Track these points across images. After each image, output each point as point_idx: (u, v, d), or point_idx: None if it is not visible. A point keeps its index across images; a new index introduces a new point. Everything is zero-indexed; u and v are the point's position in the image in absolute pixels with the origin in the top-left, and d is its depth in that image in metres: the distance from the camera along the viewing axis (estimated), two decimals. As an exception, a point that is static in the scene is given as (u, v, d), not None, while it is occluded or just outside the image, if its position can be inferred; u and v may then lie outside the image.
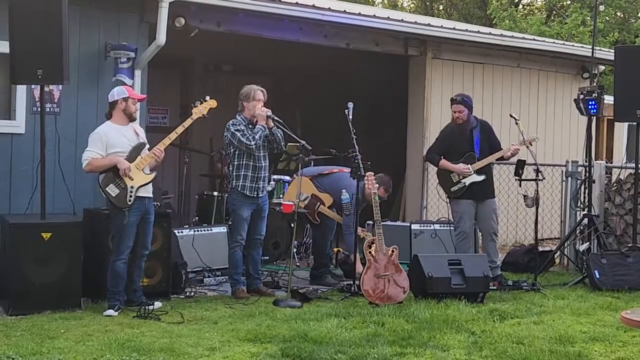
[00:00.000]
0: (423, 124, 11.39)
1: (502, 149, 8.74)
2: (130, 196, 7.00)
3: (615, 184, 10.09)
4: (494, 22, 26.99)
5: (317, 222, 8.80)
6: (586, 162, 9.61)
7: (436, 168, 8.92)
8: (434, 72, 11.49)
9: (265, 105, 7.95)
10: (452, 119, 8.77)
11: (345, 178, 8.58)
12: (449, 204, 8.95)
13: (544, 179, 8.83)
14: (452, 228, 9.20)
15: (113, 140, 7.07)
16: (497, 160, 8.81)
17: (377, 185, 8.22)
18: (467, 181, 8.58)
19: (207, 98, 7.55)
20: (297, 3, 9.75)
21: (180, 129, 7.33)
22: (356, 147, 8.15)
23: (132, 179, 7.01)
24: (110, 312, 6.95)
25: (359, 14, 10.55)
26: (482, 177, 8.60)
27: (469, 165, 8.58)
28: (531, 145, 8.79)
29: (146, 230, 7.21)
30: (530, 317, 7.15)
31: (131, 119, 7.24)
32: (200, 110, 7.47)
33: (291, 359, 5.70)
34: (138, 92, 8.18)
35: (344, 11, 10.40)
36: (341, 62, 12.50)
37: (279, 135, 7.97)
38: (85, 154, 7.03)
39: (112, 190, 6.96)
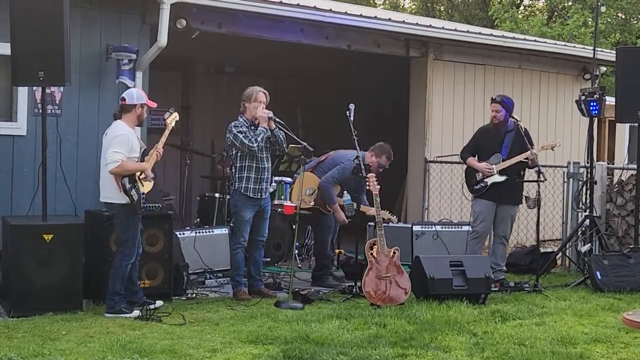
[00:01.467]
0: (424, 125, 11.38)
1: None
2: (143, 201, 7.02)
3: (616, 185, 10.09)
4: (495, 24, 26.97)
5: (329, 212, 8.73)
6: (588, 163, 9.61)
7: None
8: (436, 73, 11.49)
9: (267, 107, 7.95)
10: (490, 119, 8.79)
11: (341, 153, 8.67)
12: (471, 203, 8.95)
13: (546, 180, 8.83)
14: (454, 229, 9.22)
15: (133, 144, 7.07)
16: (522, 165, 8.72)
17: (379, 156, 8.43)
18: (489, 181, 8.59)
19: (172, 110, 7.53)
20: (298, 5, 9.74)
21: (164, 139, 7.35)
22: (357, 148, 8.15)
23: (143, 185, 7.05)
24: (137, 312, 6.97)
25: (360, 16, 10.55)
26: (503, 178, 8.59)
27: (492, 166, 8.58)
28: (553, 150, 8.90)
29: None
30: (532, 318, 7.15)
31: (140, 125, 7.26)
32: (169, 122, 7.44)
33: (293, 361, 5.71)
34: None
35: (345, 12, 10.40)
36: (342, 64, 12.50)
37: (280, 136, 7.97)
38: (115, 155, 6.89)
39: (134, 195, 6.95)
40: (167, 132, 7.40)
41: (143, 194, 7.01)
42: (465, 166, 8.99)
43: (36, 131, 7.88)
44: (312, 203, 8.67)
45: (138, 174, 6.98)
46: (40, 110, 7.54)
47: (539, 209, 8.56)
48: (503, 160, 8.63)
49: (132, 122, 7.17)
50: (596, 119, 9.70)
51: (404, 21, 11.19)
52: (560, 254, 9.89)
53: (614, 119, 10.12)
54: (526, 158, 8.56)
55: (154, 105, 7.39)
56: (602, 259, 8.66)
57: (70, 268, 7.13)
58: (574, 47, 13.61)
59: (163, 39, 8.57)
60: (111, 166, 6.90)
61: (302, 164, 8.07)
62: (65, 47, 7.18)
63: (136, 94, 7.27)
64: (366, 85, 12.89)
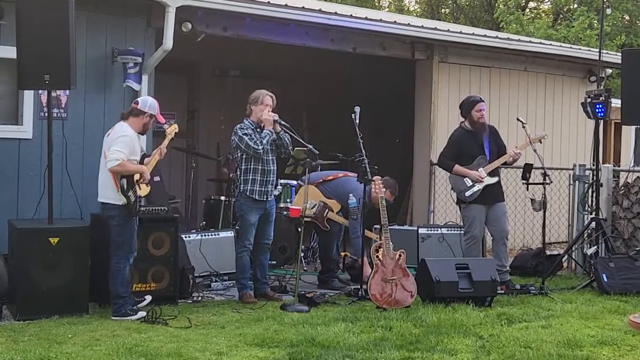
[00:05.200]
0: (430, 128, 11.38)
1: (507, 153, 8.77)
2: (140, 204, 7.07)
3: (622, 188, 10.07)
4: (500, 26, 26.97)
5: (326, 229, 8.79)
6: (594, 165, 9.59)
7: (444, 173, 8.92)
8: (441, 76, 11.48)
9: (273, 110, 7.96)
10: (471, 121, 8.71)
11: (352, 182, 8.58)
12: (459, 209, 8.93)
13: (552, 182, 8.82)
14: (460, 232, 9.19)
15: (135, 147, 7.11)
16: (502, 164, 8.80)
17: (384, 189, 8.22)
18: (482, 184, 8.57)
19: (172, 121, 7.57)
20: (303, 7, 9.75)
21: (166, 142, 7.45)
22: (363, 151, 8.16)
23: (141, 189, 7.08)
24: (142, 313, 7.02)
25: (366, 18, 10.55)
26: (495, 179, 8.60)
27: (481, 170, 8.56)
28: (541, 142, 8.81)
29: None
30: (538, 321, 7.14)
31: (142, 134, 7.28)
32: (169, 133, 7.50)
33: (298, 364, 5.71)
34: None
35: (351, 15, 10.40)
36: (348, 66, 12.51)
37: (286, 139, 7.98)
38: (116, 154, 6.90)
39: (131, 196, 6.98)
40: (166, 141, 7.49)
41: (140, 197, 7.06)
42: (444, 172, 8.98)
43: (42, 134, 7.89)
44: (313, 216, 8.65)
45: (137, 177, 7.02)
46: (46, 114, 7.55)
47: (544, 212, 8.56)
48: (489, 162, 8.63)
49: (137, 127, 7.19)
50: (602, 121, 9.68)
51: (409, 24, 11.19)
52: (566, 257, 9.87)
53: (619, 121, 10.10)
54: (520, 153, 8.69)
55: (162, 120, 7.39)
56: (608, 261, 8.64)
57: (76, 271, 7.14)
58: (580, 49, 13.59)
59: (168, 42, 8.58)
60: (112, 164, 6.91)
61: (307, 167, 8.05)
62: (70, 51, 7.18)
63: (150, 102, 7.27)
64: (371, 88, 12.89)
